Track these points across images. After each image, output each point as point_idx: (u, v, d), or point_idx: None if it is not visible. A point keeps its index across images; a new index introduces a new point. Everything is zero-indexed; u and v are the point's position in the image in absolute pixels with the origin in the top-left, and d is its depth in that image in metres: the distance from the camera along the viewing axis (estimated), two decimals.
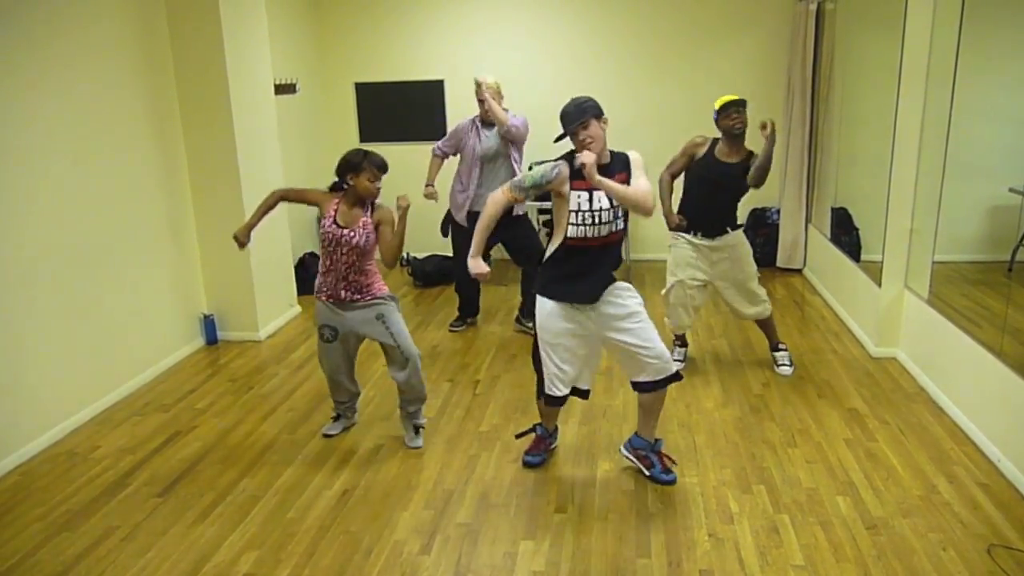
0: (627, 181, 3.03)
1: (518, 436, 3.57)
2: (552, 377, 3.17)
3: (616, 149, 3.08)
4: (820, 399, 4.06)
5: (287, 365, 4.78)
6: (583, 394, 3.31)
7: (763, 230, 6.74)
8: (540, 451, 3.47)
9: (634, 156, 3.10)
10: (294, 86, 6.28)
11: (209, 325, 5.15)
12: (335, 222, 3.40)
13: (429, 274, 6.47)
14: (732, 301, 4.34)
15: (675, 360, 4.50)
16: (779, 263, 6.66)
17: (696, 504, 3.11)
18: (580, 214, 2.98)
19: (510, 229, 4.91)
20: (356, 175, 3.35)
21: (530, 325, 5.08)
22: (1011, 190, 3.66)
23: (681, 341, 4.59)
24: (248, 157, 5.01)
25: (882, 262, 4.49)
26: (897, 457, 3.43)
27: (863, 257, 5.19)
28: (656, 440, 3.33)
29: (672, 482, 3.26)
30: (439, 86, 6.96)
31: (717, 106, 3.99)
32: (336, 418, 3.86)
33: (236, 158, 4.88)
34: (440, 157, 5.13)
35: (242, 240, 3.54)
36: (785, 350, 4.45)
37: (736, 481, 3.27)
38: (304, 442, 3.75)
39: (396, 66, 7.04)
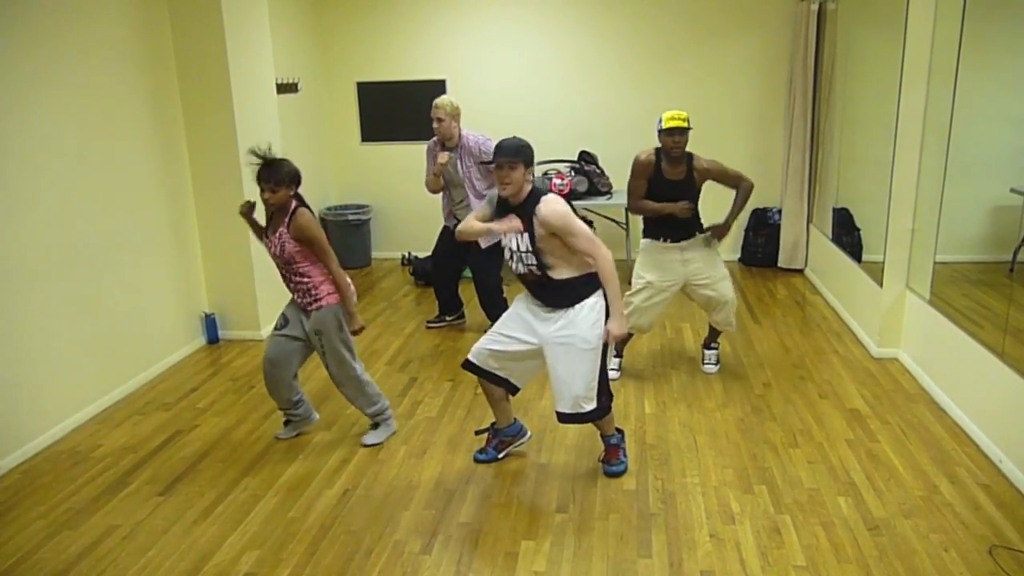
0: (527, 229, 3.04)
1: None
2: (483, 343, 3.28)
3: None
4: (821, 399, 4.05)
5: None
6: (512, 388, 3.38)
7: (764, 230, 6.74)
8: (487, 448, 3.52)
9: (552, 216, 2.99)
10: (296, 85, 6.29)
11: (210, 324, 5.16)
12: (265, 233, 3.50)
13: (430, 273, 6.44)
14: (702, 304, 4.29)
15: (611, 370, 4.22)
16: (780, 263, 6.66)
17: (697, 504, 3.11)
18: (510, 253, 3.17)
19: (474, 257, 4.95)
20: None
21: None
22: (1013, 190, 3.66)
23: (617, 352, 4.44)
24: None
25: (884, 262, 4.49)
26: (899, 458, 3.43)
27: (865, 257, 5.18)
28: (611, 435, 3.38)
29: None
30: (441, 86, 6.95)
31: (664, 123, 3.91)
32: (286, 423, 3.80)
33: (238, 157, 4.88)
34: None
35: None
36: (716, 349, 4.49)
37: (737, 481, 3.27)
38: (305, 441, 3.75)
39: (398, 65, 7.04)
